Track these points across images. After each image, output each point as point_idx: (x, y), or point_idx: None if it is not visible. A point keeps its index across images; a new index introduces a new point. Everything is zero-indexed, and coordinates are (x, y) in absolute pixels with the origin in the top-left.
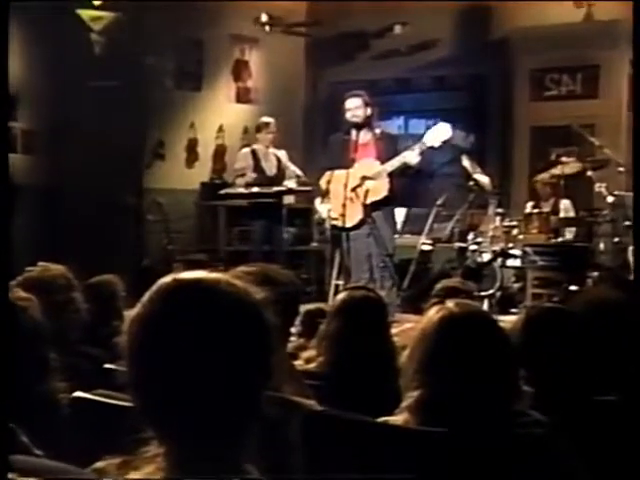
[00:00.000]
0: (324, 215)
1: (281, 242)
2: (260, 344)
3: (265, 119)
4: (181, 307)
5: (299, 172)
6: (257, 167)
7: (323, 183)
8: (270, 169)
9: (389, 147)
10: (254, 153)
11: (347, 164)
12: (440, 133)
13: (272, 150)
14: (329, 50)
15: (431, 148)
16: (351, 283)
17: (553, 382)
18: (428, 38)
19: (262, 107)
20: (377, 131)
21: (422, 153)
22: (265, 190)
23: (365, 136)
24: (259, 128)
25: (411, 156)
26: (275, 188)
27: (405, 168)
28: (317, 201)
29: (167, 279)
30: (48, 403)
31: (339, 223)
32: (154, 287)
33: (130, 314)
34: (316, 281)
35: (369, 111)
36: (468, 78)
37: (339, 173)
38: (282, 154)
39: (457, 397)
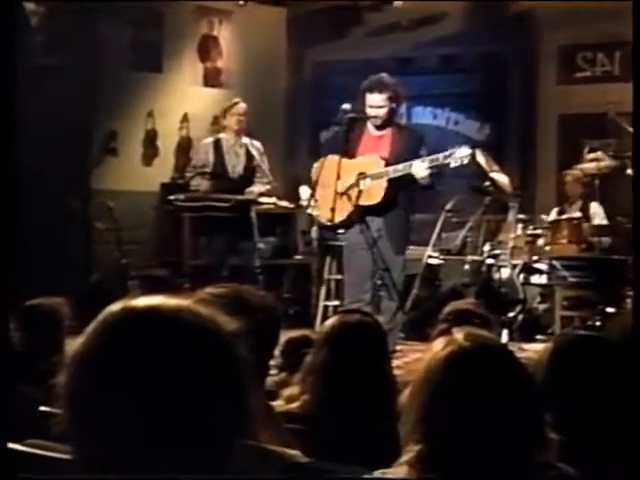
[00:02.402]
0: (310, 210)
1: (250, 256)
2: (230, 386)
3: (233, 100)
4: (132, 343)
5: (264, 169)
6: (218, 164)
7: (314, 172)
8: (234, 167)
9: (411, 144)
10: (217, 145)
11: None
12: (460, 154)
13: (244, 140)
14: (315, 24)
15: (445, 166)
16: (345, 304)
17: (585, 428)
18: (434, 11)
19: (234, 92)
20: (399, 123)
21: (432, 168)
22: (221, 201)
23: (382, 128)
24: (224, 112)
25: (418, 168)
26: (237, 197)
27: (410, 181)
28: (302, 189)
29: (115, 307)
30: None
31: (325, 220)
32: (100, 317)
33: (70, 349)
34: (301, 301)
35: (395, 108)
36: (482, 57)
37: (332, 159)
38: (256, 147)
39: (468, 453)
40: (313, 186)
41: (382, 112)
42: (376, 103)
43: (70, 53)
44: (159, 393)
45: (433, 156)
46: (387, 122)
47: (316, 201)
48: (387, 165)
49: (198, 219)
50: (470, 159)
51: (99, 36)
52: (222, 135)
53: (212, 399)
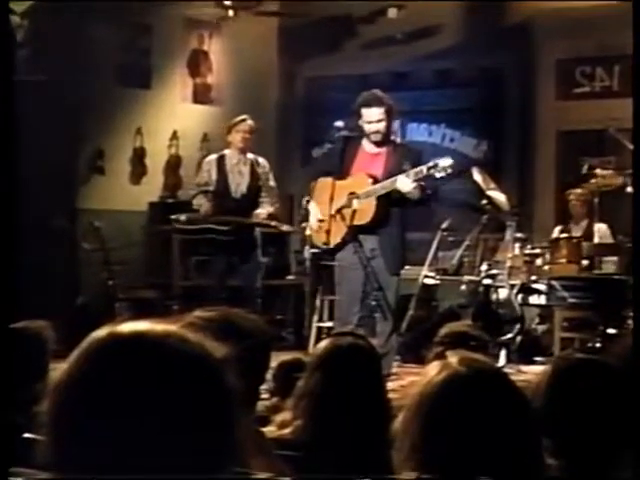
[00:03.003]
0: (312, 224)
1: (249, 277)
2: (217, 414)
3: (240, 117)
4: (118, 370)
5: (270, 188)
6: (221, 182)
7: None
8: (238, 186)
9: (407, 162)
10: (221, 162)
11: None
12: (444, 164)
13: (250, 157)
14: (308, 38)
15: (429, 177)
16: (338, 326)
17: (585, 454)
18: (429, 23)
19: (225, 108)
20: (396, 141)
21: (418, 181)
22: (222, 224)
23: (382, 144)
24: (230, 128)
25: (403, 183)
26: (238, 219)
27: (399, 197)
28: (310, 205)
29: (101, 333)
30: None
31: (321, 242)
32: (84, 343)
33: (54, 376)
34: (294, 323)
35: (392, 123)
36: (479, 72)
37: (324, 181)
38: (262, 165)
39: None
40: (307, 206)
41: (382, 126)
42: (375, 117)
43: (56, 68)
44: (145, 421)
45: (417, 169)
46: (386, 137)
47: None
48: (376, 183)
49: (193, 239)
50: (452, 169)
51: (86, 51)
52: (226, 152)
53: (199, 428)
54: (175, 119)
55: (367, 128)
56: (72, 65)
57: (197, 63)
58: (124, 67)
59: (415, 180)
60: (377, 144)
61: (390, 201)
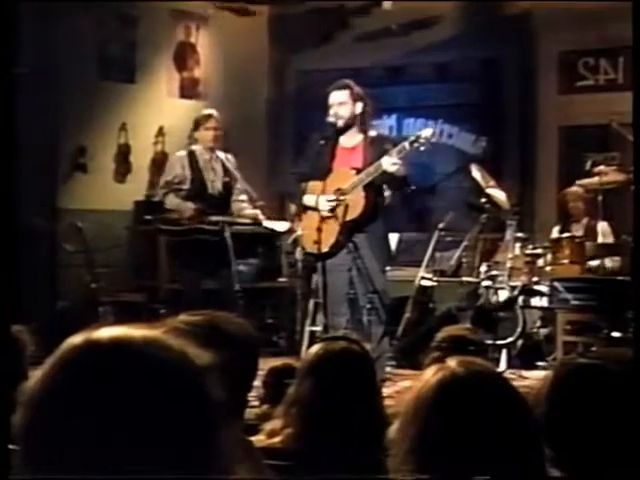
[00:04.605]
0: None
1: (229, 279)
2: (201, 425)
3: (206, 111)
4: (94, 378)
5: (246, 185)
6: (197, 179)
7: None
8: (213, 184)
9: (384, 153)
10: (192, 159)
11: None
12: (425, 135)
13: (219, 155)
14: (299, 30)
15: (414, 148)
16: (330, 330)
17: (589, 464)
18: (426, 14)
19: (213, 103)
20: (372, 133)
21: (402, 158)
22: (211, 224)
23: (352, 138)
24: (197, 124)
25: (388, 163)
26: (223, 218)
27: (387, 180)
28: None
29: (77, 340)
30: None
31: (312, 249)
32: (59, 350)
33: (27, 385)
34: (285, 327)
35: (359, 108)
36: (478, 65)
37: (314, 184)
38: (229, 159)
39: None
40: (298, 210)
41: (343, 110)
42: (337, 100)
43: (35, 61)
44: (123, 433)
45: (399, 146)
46: (353, 125)
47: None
48: (359, 174)
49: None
50: (434, 138)
51: (68, 43)
52: (195, 147)
53: (179, 439)
54: (161, 114)
55: (330, 114)
56: (53, 57)
57: (184, 56)
58: (108, 60)
59: (400, 157)
60: (345, 133)
61: (377, 189)
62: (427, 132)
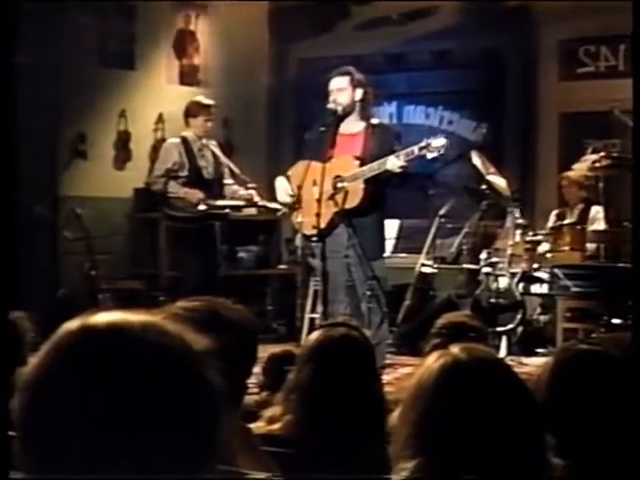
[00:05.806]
0: (294, 218)
1: (214, 265)
2: (199, 410)
3: (204, 100)
4: (91, 364)
5: (235, 168)
6: (192, 166)
7: (294, 177)
8: (206, 170)
9: (385, 142)
10: (186, 145)
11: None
12: (436, 145)
13: (204, 141)
14: (300, 18)
15: (421, 158)
16: (329, 317)
17: (592, 452)
18: (426, 3)
19: (213, 90)
20: (374, 121)
21: (408, 162)
22: (218, 209)
23: (353, 125)
24: (195, 112)
25: (394, 164)
26: (226, 202)
27: (389, 177)
28: (278, 180)
29: (73, 325)
30: None
31: (310, 232)
32: (55, 336)
33: (24, 371)
34: (285, 314)
35: (359, 94)
36: (478, 53)
37: (314, 165)
38: (213, 145)
39: (463, 471)
40: (296, 192)
41: (342, 96)
42: (336, 86)
43: (34, 49)
44: (120, 420)
45: (408, 149)
46: (350, 111)
47: (300, 208)
48: (362, 165)
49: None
50: (446, 149)
51: (66, 30)
52: (187, 134)
53: (178, 425)
54: (161, 101)
55: (331, 100)
56: (52, 44)
57: (183, 44)
58: (107, 47)
59: (406, 161)
60: (346, 120)
61: (378, 183)
62: (439, 142)
